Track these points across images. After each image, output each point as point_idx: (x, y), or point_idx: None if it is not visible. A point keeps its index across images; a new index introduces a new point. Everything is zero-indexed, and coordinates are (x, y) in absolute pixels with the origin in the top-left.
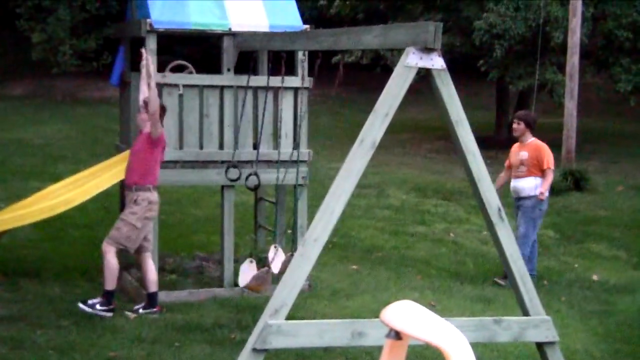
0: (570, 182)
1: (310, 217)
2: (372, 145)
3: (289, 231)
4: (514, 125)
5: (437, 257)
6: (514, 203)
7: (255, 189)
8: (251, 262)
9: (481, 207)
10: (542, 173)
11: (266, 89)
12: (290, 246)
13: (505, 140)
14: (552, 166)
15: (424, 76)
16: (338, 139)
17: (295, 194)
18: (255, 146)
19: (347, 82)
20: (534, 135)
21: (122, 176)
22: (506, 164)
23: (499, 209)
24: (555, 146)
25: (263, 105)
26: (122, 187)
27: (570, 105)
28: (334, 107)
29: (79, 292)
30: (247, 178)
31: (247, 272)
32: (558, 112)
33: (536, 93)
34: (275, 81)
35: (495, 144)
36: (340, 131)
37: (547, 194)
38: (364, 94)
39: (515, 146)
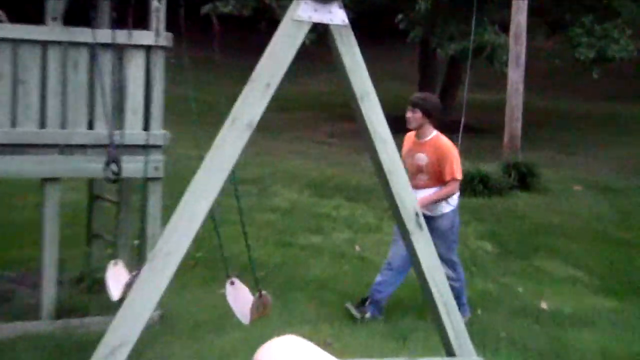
0: (514, 178)
1: (166, 223)
2: (249, 126)
3: (136, 242)
4: (408, 114)
5: (337, 278)
6: None
7: (116, 181)
8: (115, 263)
9: (394, 210)
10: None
11: (108, 47)
12: (137, 262)
13: None
14: (458, 176)
15: (322, 34)
16: (207, 119)
17: (145, 191)
18: (92, 125)
19: (224, 41)
20: (437, 128)
21: None
22: None
23: (417, 214)
24: (494, 131)
25: (106, 69)
26: None
27: (515, 76)
28: (204, 75)
29: None
30: (106, 165)
31: (116, 277)
32: (498, 85)
33: (471, 60)
34: (121, 36)
35: None
36: (211, 108)
37: (447, 210)
38: (246, 58)
39: (409, 143)
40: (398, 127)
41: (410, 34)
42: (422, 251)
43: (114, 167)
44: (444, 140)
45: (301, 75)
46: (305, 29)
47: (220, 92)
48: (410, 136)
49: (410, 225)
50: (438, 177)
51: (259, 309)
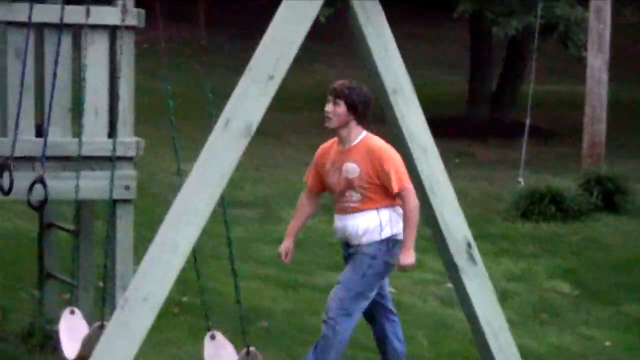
0: (597, 197)
1: (139, 258)
2: (246, 131)
3: (100, 283)
4: (328, 107)
5: (362, 329)
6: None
7: (41, 206)
8: (72, 312)
9: (437, 240)
10: (391, 200)
11: (59, 27)
12: (101, 310)
13: (484, 123)
14: (408, 184)
15: (340, 11)
16: (192, 121)
17: (112, 217)
18: (40, 130)
19: (212, 20)
20: (368, 128)
21: None
22: (308, 183)
23: (469, 245)
24: (570, 134)
25: (54, 58)
26: None
27: (598, 63)
28: (188, 64)
29: None
30: (30, 188)
31: (72, 330)
32: (575, 74)
33: (538, 41)
34: (77, 14)
35: (466, 128)
36: (197, 107)
37: (376, 236)
38: (241, 41)
39: (330, 153)
40: (441, 130)
41: (457, 8)
42: (476, 293)
43: (38, 189)
44: (377, 140)
45: (310, 62)
46: (318, 2)
47: (209, 86)
48: (327, 146)
49: (460, 259)
50: (376, 194)
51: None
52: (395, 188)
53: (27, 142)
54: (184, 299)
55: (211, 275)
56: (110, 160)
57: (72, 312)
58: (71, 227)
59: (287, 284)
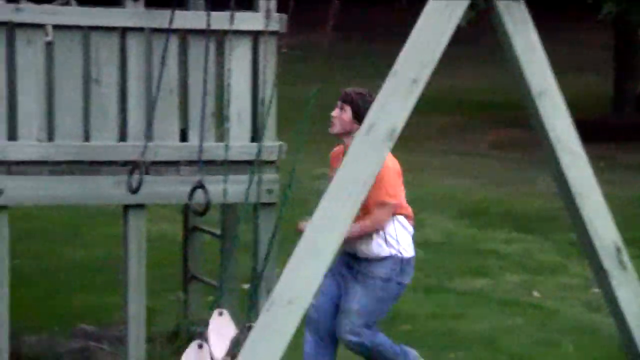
0: None
1: (283, 261)
2: (390, 136)
3: (245, 286)
4: (334, 113)
5: (510, 334)
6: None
7: (205, 212)
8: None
9: (584, 244)
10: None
11: (204, 33)
12: (247, 313)
13: (629, 126)
14: (391, 199)
15: (481, 13)
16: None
17: (256, 221)
18: (184, 135)
19: (346, 22)
20: None
21: None
22: None
23: (618, 250)
24: None
25: (198, 64)
26: None
27: None
28: (325, 68)
29: None
30: (190, 193)
31: (220, 332)
32: None
33: None
34: (221, 20)
35: (612, 133)
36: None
37: (385, 252)
38: (376, 43)
39: (338, 156)
40: (588, 134)
41: (602, 9)
42: (625, 299)
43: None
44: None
45: (446, 67)
46: (463, 6)
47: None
48: (338, 151)
49: (609, 263)
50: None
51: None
52: (370, 204)
53: (171, 148)
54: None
55: None
56: (253, 165)
57: (221, 314)
58: (216, 230)
59: (430, 288)
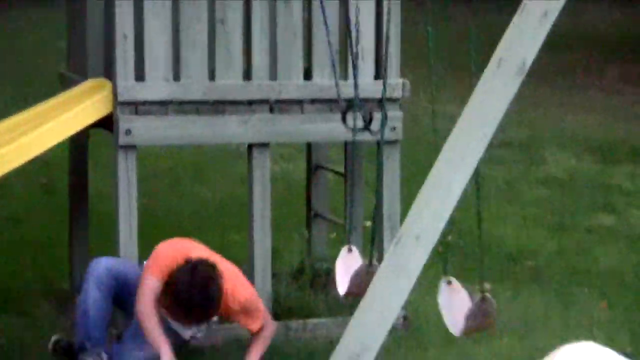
0: None
1: (408, 200)
2: (520, 70)
3: (368, 223)
4: None
5: (636, 270)
6: None
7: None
8: (349, 250)
9: None
10: None
11: None
12: (371, 249)
13: None
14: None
15: None
16: (454, 63)
17: (380, 159)
18: (308, 74)
19: None
20: None
21: (92, 117)
22: None
23: None
24: None
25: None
26: (78, 150)
27: None
28: (446, 7)
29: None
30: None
31: (348, 269)
32: None
33: None
34: None
35: None
36: (458, 48)
37: None
38: None
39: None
40: None
41: None
42: None
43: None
44: None
45: (573, 2)
46: None
47: (472, 29)
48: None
49: None
50: None
51: (477, 319)
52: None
53: (296, 86)
54: (447, 238)
55: (474, 215)
56: (378, 103)
57: (350, 251)
58: (339, 168)
59: (554, 225)
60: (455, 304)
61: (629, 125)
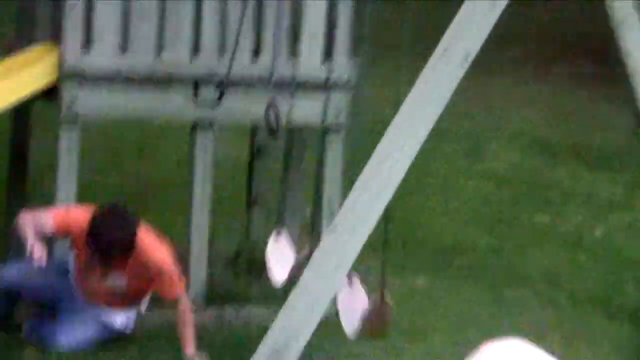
0: None
1: (348, 187)
2: (464, 59)
3: (308, 209)
4: None
5: (570, 272)
6: None
7: (274, 132)
8: (278, 233)
9: None
10: None
11: None
12: (309, 237)
13: None
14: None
15: None
16: (404, 48)
17: (322, 145)
18: (257, 52)
19: None
20: None
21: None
22: None
23: None
24: None
25: None
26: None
27: None
28: None
29: None
30: (266, 112)
31: (280, 255)
32: None
33: None
34: None
35: None
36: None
37: None
38: None
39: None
40: None
41: None
42: None
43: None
44: None
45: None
46: None
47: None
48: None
49: None
50: None
51: (373, 322)
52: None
53: (244, 66)
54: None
55: (413, 208)
56: (323, 86)
57: (278, 234)
58: (281, 154)
59: (492, 221)
60: (353, 305)
61: (573, 124)
